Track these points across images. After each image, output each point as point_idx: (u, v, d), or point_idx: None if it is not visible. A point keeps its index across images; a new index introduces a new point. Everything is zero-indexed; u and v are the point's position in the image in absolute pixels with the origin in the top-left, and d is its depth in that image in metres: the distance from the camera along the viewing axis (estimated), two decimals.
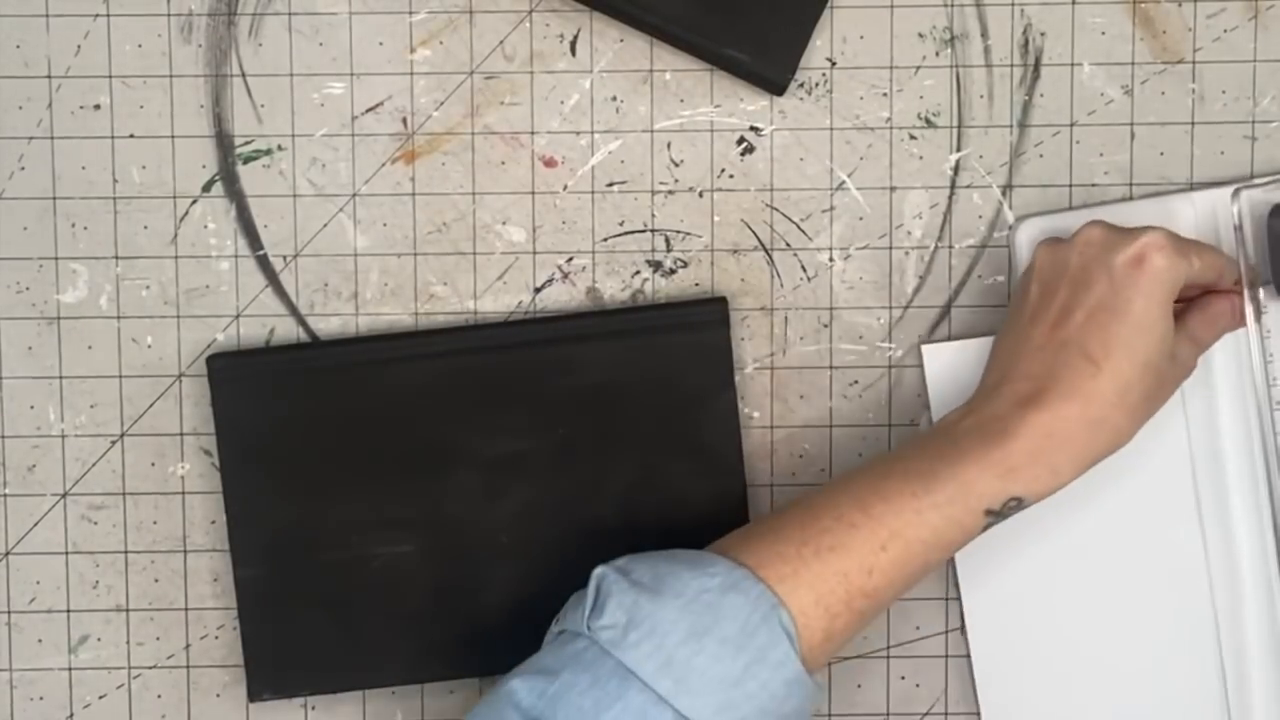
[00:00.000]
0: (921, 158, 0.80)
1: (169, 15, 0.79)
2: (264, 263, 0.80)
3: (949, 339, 0.80)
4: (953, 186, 0.80)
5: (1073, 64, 0.79)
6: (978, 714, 0.79)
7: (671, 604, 0.68)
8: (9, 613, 0.81)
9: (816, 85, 0.80)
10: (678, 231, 0.80)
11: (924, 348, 0.79)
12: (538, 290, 0.80)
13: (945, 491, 0.69)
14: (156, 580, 0.81)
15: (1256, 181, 0.77)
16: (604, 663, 0.67)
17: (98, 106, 0.79)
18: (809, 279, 0.80)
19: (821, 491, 0.72)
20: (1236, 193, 0.76)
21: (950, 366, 0.79)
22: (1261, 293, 0.76)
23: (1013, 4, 0.79)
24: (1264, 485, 0.77)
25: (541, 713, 0.67)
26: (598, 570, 0.70)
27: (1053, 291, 0.72)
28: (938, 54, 0.79)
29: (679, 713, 0.66)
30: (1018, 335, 0.72)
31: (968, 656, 0.79)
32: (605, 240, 0.80)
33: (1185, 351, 0.73)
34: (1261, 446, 0.77)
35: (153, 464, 0.80)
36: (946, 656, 0.80)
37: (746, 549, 0.70)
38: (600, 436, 0.78)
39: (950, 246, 0.80)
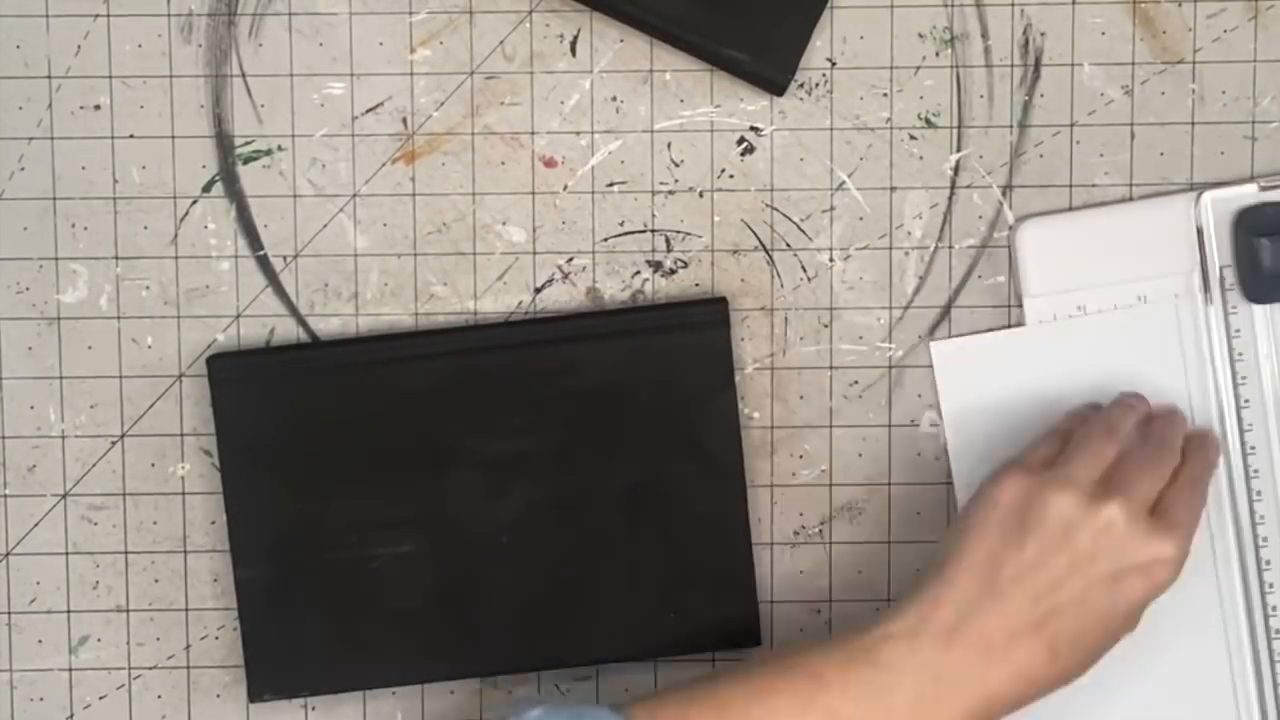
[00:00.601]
0: (921, 158, 0.80)
1: (169, 15, 0.79)
2: (264, 263, 0.80)
3: (950, 336, 0.80)
4: (953, 186, 0.80)
5: (1073, 64, 0.79)
6: None
7: None
8: (9, 613, 0.81)
9: (816, 85, 0.80)
10: (678, 231, 0.80)
11: (932, 345, 0.79)
12: (538, 290, 0.80)
13: None
14: (156, 580, 0.81)
15: (1226, 183, 0.78)
16: None
17: (98, 106, 0.79)
18: (809, 279, 0.80)
19: (739, 683, 0.68)
20: (1199, 197, 0.77)
21: (959, 362, 0.79)
22: (1231, 295, 0.77)
23: (1013, 4, 0.79)
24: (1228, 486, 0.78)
25: None
26: None
27: (1049, 559, 0.68)
28: (938, 54, 0.79)
29: None
30: (991, 585, 0.68)
31: None
32: (605, 240, 0.80)
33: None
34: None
35: (153, 464, 0.80)
36: None
37: None
38: (600, 437, 0.78)
39: (950, 246, 0.80)
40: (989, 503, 0.69)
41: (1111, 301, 0.78)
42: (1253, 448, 0.78)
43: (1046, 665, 0.68)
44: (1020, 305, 0.79)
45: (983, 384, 0.78)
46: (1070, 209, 0.79)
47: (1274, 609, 0.78)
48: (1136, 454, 0.71)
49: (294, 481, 0.78)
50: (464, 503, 0.78)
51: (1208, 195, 0.78)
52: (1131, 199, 0.79)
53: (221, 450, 0.78)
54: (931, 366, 0.80)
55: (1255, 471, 0.78)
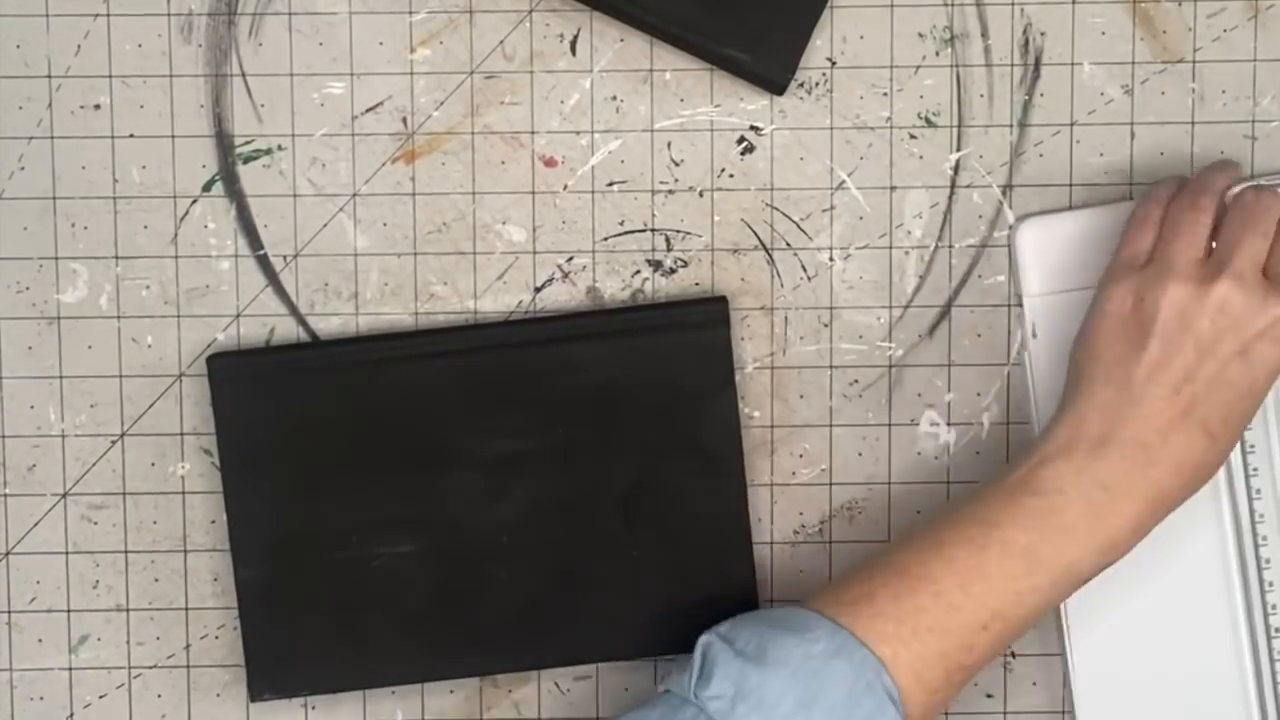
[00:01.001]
0: (921, 157, 0.80)
1: (169, 15, 0.79)
2: (264, 263, 0.80)
3: (950, 336, 0.80)
4: (953, 186, 0.80)
5: (1073, 64, 0.79)
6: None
7: (778, 673, 0.67)
8: (9, 613, 0.81)
9: (816, 85, 0.80)
10: (678, 231, 0.80)
11: (1022, 224, 0.78)
12: (538, 290, 0.80)
13: (1050, 575, 0.68)
14: (156, 580, 0.81)
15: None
16: None
17: (98, 106, 0.79)
18: (809, 279, 0.80)
19: (912, 547, 0.70)
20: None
21: (1049, 242, 0.78)
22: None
23: (1013, 4, 0.79)
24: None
25: None
26: (703, 638, 0.70)
27: (1176, 351, 0.69)
28: (938, 54, 0.79)
29: None
30: (1128, 389, 0.69)
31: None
32: (605, 240, 0.80)
33: None
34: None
35: (153, 464, 0.80)
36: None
37: (842, 613, 0.69)
38: (600, 436, 0.78)
39: (950, 246, 0.80)
40: (1101, 314, 0.71)
41: None
42: (1252, 446, 0.78)
43: (1206, 449, 0.69)
44: (1020, 305, 0.79)
45: (1073, 265, 0.78)
46: (1069, 208, 0.79)
47: (1274, 607, 0.78)
48: (1233, 220, 0.70)
49: (294, 481, 0.78)
50: (464, 503, 0.78)
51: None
52: (1131, 199, 0.79)
53: (221, 450, 0.78)
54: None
55: (1255, 470, 0.78)
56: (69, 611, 0.81)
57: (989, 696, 0.80)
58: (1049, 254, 0.78)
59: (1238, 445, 0.78)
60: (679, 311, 0.78)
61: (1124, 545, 0.69)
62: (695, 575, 0.78)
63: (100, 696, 0.81)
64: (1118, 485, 0.69)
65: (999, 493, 0.70)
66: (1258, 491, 0.78)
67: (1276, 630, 0.78)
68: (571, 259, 0.80)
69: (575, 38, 0.79)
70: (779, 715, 0.67)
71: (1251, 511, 0.78)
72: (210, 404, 0.79)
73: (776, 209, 0.80)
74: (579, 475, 0.78)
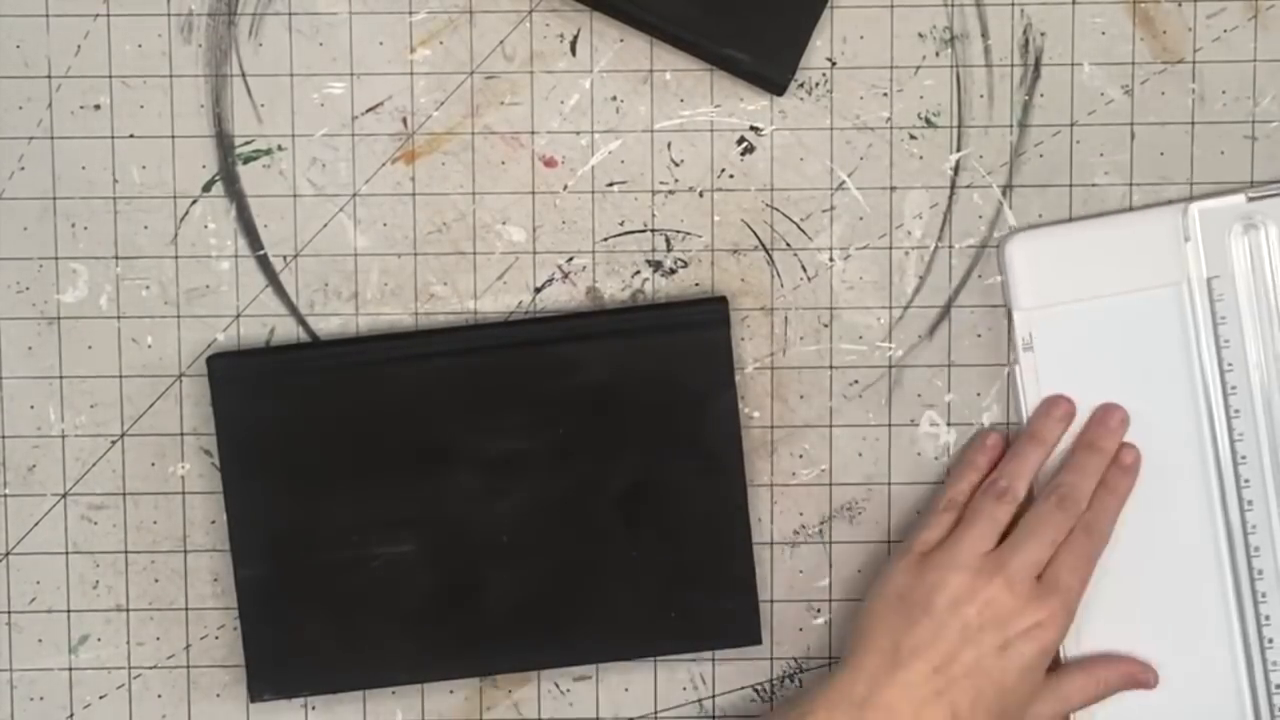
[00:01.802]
0: (921, 158, 0.80)
1: (169, 15, 0.79)
2: (264, 263, 0.80)
3: (950, 336, 0.80)
4: (953, 186, 0.80)
5: (1073, 64, 0.79)
6: None
7: None
8: (9, 613, 0.81)
9: (816, 85, 0.80)
10: (678, 231, 0.80)
11: (1012, 239, 0.78)
12: (538, 290, 0.80)
13: None
14: (156, 580, 0.81)
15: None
16: None
17: (98, 106, 0.79)
18: (809, 279, 0.80)
19: None
20: (1186, 208, 0.77)
21: (1039, 256, 0.78)
22: (1219, 305, 0.77)
23: (1013, 4, 0.79)
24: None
25: None
26: None
27: (943, 634, 0.73)
28: (938, 54, 0.79)
29: None
30: (894, 659, 0.73)
31: None
32: (605, 240, 0.80)
33: (1047, 709, 0.76)
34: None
35: (153, 464, 0.80)
36: None
37: None
38: (600, 436, 0.78)
39: (950, 246, 0.80)
40: (884, 585, 0.76)
41: (1101, 315, 0.78)
42: (1244, 457, 0.78)
43: None
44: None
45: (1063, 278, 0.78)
46: (1058, 222, 0.79)
47: (1267, 618, 0.78)
48: (1024, 526, 0.76)
49: (294, 481, 0.78)
50: (464, 503, 0.78)
51: (1195, 206, 0.78)
52: (1131, 201, 0.79)
53: (221, 450, 0.78)
54: (937, 357, 0.80)
55: (1246, 481, 0.78)
56: (69, 611, 0.81)
57: None
58: (1037, 268, 0.79)
59: (1230, 455, 0.78)
60: (679, 312, 0.78)
61: None
62: (695, 575, 0.78)
63: (100, 697, 0.81)
64: None
65: None
66: (1249, 503, 0.78)
67: (1270, 641, 0.78)
68: (571, 259, 0.80)
69: (575, 38, 0.79)
70: None
71: (1244, 521, 0.78)
72: (210, 404, 0.79)
73: (776, 209, 0.80)
74: (579, 475, 0.78)
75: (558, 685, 0.81)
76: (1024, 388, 0.79)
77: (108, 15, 0.79)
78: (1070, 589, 0.75)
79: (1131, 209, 0.79)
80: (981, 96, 0.80)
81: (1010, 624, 0.74)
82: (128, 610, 0.81)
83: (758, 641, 0.79)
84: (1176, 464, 0.78)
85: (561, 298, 0.80)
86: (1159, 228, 0.78)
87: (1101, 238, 0.78)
